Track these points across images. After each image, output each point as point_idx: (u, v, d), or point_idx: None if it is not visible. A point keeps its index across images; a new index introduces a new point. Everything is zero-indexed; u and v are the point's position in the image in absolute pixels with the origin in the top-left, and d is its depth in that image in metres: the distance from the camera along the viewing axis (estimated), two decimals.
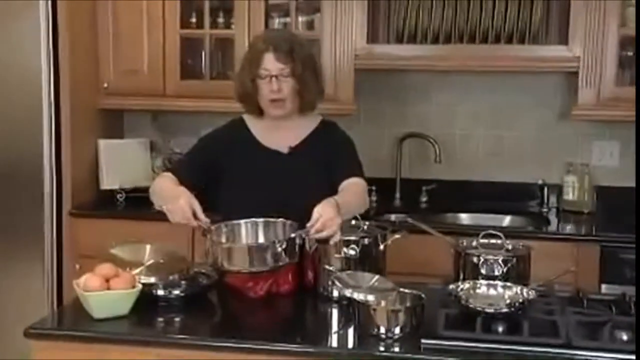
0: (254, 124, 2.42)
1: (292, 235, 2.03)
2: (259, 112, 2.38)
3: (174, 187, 2.25)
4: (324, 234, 2.01)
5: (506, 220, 3.41)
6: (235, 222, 2.18)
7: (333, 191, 2.25)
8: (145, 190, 3.58)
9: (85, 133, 3.45)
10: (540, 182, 3.48)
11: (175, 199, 2.12)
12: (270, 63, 2.28)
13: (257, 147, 2.39)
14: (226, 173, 2.36)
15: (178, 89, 3.44)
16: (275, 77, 2.28)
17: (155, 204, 2.29)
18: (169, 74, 3.43)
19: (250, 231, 2.17)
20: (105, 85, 3.47)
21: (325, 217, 2.00)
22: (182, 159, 2.56)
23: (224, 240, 2.11)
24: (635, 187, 3.04)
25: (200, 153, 2.43)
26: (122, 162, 3.54)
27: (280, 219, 2.14)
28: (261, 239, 2.14)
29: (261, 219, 2.17)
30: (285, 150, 2.37)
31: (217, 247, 2.04)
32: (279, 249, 1.98)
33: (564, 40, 3.20)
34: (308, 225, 2.02)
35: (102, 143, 3.53)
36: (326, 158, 2.35)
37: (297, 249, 2.04)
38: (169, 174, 2.37)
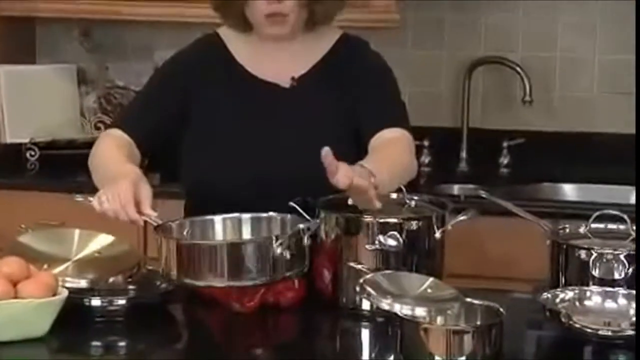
0: (237, 44, 2.44)
1: (301, 226, 2.04)
2: (245, 27, 2.39)
3: (119, 160, 2.28)
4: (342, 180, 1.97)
5: (634, 194, 3.41)
6: (206, 217, 2.17)
7: (359, 149, 2.27)
8: (71, 145, 3.65)
9: None
10: None
11: (114, 181, 2.14)
12: None
13: (243, 78, 2.41)
14: (195, 120, 2.39)
15: None
16: None
17: (95, 182, 2.32)
18: None
19: (229, 229, 2.18)
20: None
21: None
22: (131, 105, 2.59)
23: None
24: (636, 186, 3.05)
25: (158, 93, 2.47)
26: (34, 102, 3.57)
27: (277, 214, 2.15)
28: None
29: (247, 214, 2.17)
30: (286, 83, 2.39)
31: (172, 247, 2.04)
32: (279, 250, 1.99)
33: None
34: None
35: (3, 71, 3.56)
36: (349, 95, 2.37)
37: (307, 251, 2.06)
38: (116, 132, 2.40)
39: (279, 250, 1.97)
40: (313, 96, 2.39)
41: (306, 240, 2.05)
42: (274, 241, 2.00)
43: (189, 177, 2.40)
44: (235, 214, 2.18)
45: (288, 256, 2.01)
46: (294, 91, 2.40)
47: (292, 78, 2.39)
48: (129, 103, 2.55)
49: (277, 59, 2.40)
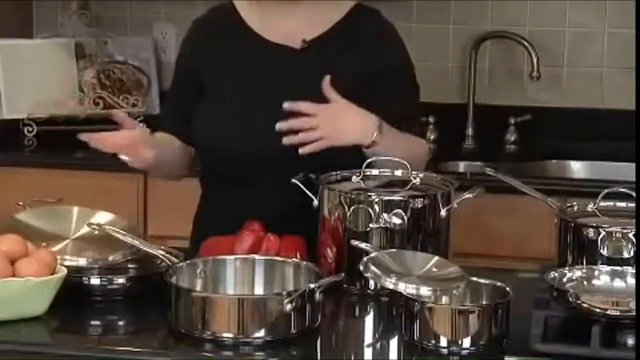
0: (249, 11, 2.47)
1: (312, 286, 1.93)
2: None
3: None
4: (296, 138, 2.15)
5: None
6: (218, 257, 2.10)
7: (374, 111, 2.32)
8: (69, 121, 3.64)
9: None
10: None
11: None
12: None
13: (255, 41, 2.43)
14: (209, 85, 2.43)
15: None
16: None
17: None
18: None
19: (240, 273, 2.09)
20: None
21: (327, 113, 2.18)
22: (164, 104, 2.63)
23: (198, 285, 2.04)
24: (636, 186, 3.05)
25: (182, 78, 2.52)
26: (31, 77, 3.57)
27: (291, 259, 2.10)
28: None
29: (262, 257, 2.10)
30: (296, 45, 2.41)
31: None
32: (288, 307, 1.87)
33: None
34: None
35: (0, 46, 3.55)
36: (364, 64, 2.38)
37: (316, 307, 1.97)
38: (160, 133, 2.47)
39: (288, 307, 1.88)
40: (324, 58, 2.40)
41: (318, 296, 1.94)
42: (283, 297, 1.89)
43: (203, 140, 2.42)
44: (249, 256, 2.11)
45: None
46: (305, 53, 2.41)
47: (303, 40, 2.41)
48: (161, 104, 2.63)
49: (288, 23, 2.42)
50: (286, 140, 2.23)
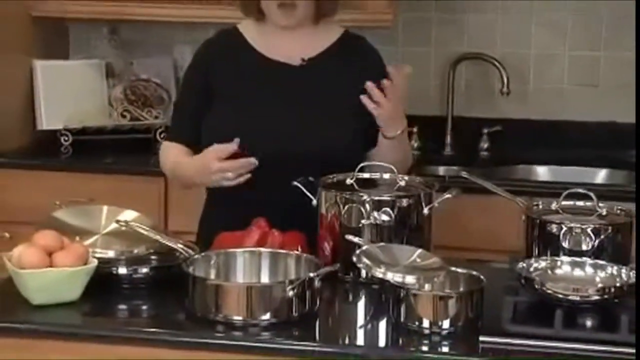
0: (252, 32, 2.46)
1: (311, 275, 1.92)
2: (260, 15, 2.40)
3: (180, 157, 2.40)
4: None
5: (600, 175, 3.41)
6: (229, 250, 2.09)
7: (363, 130, 2.34)
8: (100, 131, 3.63)
9: (14, 51, 3.47)
10: None
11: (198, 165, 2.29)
12: None
13: (257, 58, 2.43)
14: (216, 98, 2.41)
15: None
16: None
17: (182, 179, 2.46)
18: None
19: (248, 264, 2.08)
20: None
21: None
22: (174, 116, 2.61)
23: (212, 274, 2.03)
24: (636, 187, 3.04)
25: (190, 92, 2.50)
26: (67, 93, 3.56)
27: (295, 252, 2.09)
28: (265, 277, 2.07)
29: (267, 250, 2.09)
30: (296, 62, 2.41)
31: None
32: (290, 293, 1.87)
33: None
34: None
35: (39, 66, 3.55)
36: (354, 81, 2.37)
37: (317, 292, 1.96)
38: (172, 145, 2.46)
39: (290, 294, 1.87)
40: (321, 75, 2.41)
41: (317, 284, 1.94)
42: (286, 284, 1.89)
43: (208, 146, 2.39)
44: (256, 249, 2.10)
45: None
46: (303, 69, 2.41)
47: (302, 59, 2.41)
48: (172, 115, 2.62)
49: (288, 44, 2.42)
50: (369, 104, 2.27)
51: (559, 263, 2.02)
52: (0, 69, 3.36)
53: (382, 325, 1.94)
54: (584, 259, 2.03)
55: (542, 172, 3.46)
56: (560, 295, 1.87)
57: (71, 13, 3.56)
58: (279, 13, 2.35)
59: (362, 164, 2.23)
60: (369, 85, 2.25)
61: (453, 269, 1.96)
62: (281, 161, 2.27)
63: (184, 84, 2.58)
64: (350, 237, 2.10)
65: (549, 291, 1.88)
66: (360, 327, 1.99)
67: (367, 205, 2.13)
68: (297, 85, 2.39)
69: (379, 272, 1.91)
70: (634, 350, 1.76)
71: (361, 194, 2.15)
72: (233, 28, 2.49)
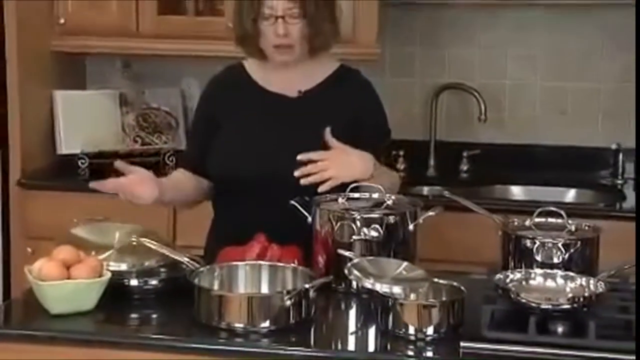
0: (255, 68, 2.46)
1: (307, 286, 1.92)
2: (262, 55, 2.39)
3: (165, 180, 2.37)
4: (310, 179, 2.17)
5: (570, 194, 3.41)
6: (232, 264, 2.07)
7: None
8: (114, 155, 3.63)
9: (36, 83, 3.47)
10: (614, 146, 3.48)
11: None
12: (276, 1, 2.29)
13: (258, 91, 2.42)
14: (223, 126, 2.41)
15: (155, 27, 3.44)
16: (282, 18, 2.29)
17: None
18: (144, 7, 3.43)
19: (249, 276, 2.06)
20: (62, 21, 3.47)
21: (333, 158, 2.20)
22: (187, 144, 2.62)
23: (216, 285, 2.01)
24: (635, 189, 3.04)
25: (200, 124, 2.49)
26: (84, 120, 3.56)
27: (291, 265, 2.07)
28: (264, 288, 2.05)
29: (267, 262, 2.08)
30: (293, 94, 2.41)
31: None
32: (288, 303, 1.86)
33: None
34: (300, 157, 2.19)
35: (59, 95, 3.55)
36: (348, 112, 2.38)
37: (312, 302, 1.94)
38: (180, 170, 2.46)
39: (288, 303, 1.87)
40: (317, 106, 2.39)
41: (312, 294, 1.93)
42: (284, 294, 1.88)
43: (217, 169, 2.39)
44: (257, 262, 2.08)
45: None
46: (300, 101, 2.40)
47: (299, 91, 2.41)
48: (186, 143, 2.66)
49: (286, 78, 2.41)
50: (304, 181, 2.22)
51: (532, 275, 2.01)
52: (24, 98, 3.35)
53: (372, 331, 1.93)
54: (555, 271, 2.03)
55: (517, 192, 3.46)
56: (534, 304, 1.87)
57: (88, 48, 3.56)
58: (276, 52, 2.35)
59: (352, 185, 2.23)
60: (301, 157, 2.23)
61: (436, 280, 1.96)
62: (280, 184, 2.26)
63: (194, 117, 2.58)
64: (342, 251, 2.10)
65: (523, 300, 1.88)
66: (352, 333, 1.98)
67: (358, 222, 2.12)
68: (293, 115, 2.39)
69: (368, 283, 1.91)
70: (601, 355, 1.76)
71: (352, 212, 2.15)
72: (238, 64, 2.48)
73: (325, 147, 2.29)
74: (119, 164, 2.25)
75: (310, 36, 2.33)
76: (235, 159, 2.35)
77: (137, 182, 2.23)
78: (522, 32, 3.56)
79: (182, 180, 2.44)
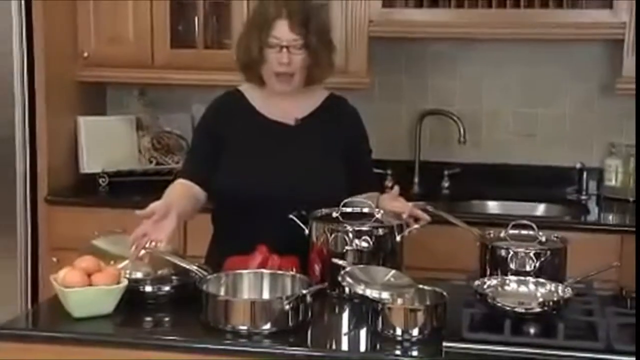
0: (252, 95, 2.44)
1: (304, 292, 1.90)
2: (261, 82, 2.38)
3: (171, 193, 2.27)
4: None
5: (540, 208, 3.40)
6: (236, 272, 2.06)
7: (343, 172, 2.35)
8: (131, 174, 3.62)
9: (62, 109, 3.46)
10: (578, 165, 3.48)
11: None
12: (283, 32, 2.29)
13: (259, 119, 2.40)
14: (225, 150, 2.38)
15: (168, 59, 3.44)
16: (287, 48, 2.28)
17: None
18: (158, 42, 3.43)
19: (252, 282, 2.05)
20: (86, 54, 3.47)
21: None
22: (186, 157, 2.60)
23: (222, 291, 1.99)
24: (636, 190, 3.04)
25: (200, 141, 2.46)
26: (104, 142, 3.55)
27: (290, 273, 2.06)
28: (266, 294, 2.04)
29: (268, 270, 2.06)
30: (291, 122, 2.39)
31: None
32: (287, 307, 1.86)
33: (607, 3, 3.18)
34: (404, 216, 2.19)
35: (82, 120, 3.54)
36: (341, 137, 2.39)
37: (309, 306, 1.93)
38: (179, 181, 2.37)
39: (287, 307, 1.86)
40: (312, 132, 2.39)
41: (309, 299, 1.91)
42: (283, 300, 1.87)
43: (223, 188, 2.36)
44: (259, 270, 2.07)
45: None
46: (297, 128, 2.39)
47: (296, 119, 2.39)
48: (186, 155, 2.60)
49: (284, 105, 2.39)
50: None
51: (507, 281, 2.00)
52: (51, 123, 3.35)
53: (363, 333, 1.92)
54: (528, 278, 2.02)
55: (493, 206, 3.46)
56: (509, 308, 1.86)
57: (108, 78, 3.56)
58: (276, 81, 2.34)
59: (345, 200, 2.22)
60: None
61: (421, 286, 1.95)
62: (279, 201, 2.25)
63: (194, 136, 2.55)
64: (336, 260, 2.09)
65: (499, 304, 1.87)
66: (345, 334, 1.98)
67: (350, 234, 2.12)
68: (292, 141, 2.38)
69: (359, 289, 1.90)
70: (568, 353, 1.75)
71: (345, 225, 2.14)
72: (235, 90, 2.46)
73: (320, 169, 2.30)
74: (138, 213, 2.13)
75: (310, 66, 2.33)
76: (239, 180, 2.34)
77: (154, 228, 2.10)
78: (496, 65, 3.57)
79: (184, 191, 2.34)
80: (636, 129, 3.29)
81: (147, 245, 2.07)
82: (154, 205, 2.13)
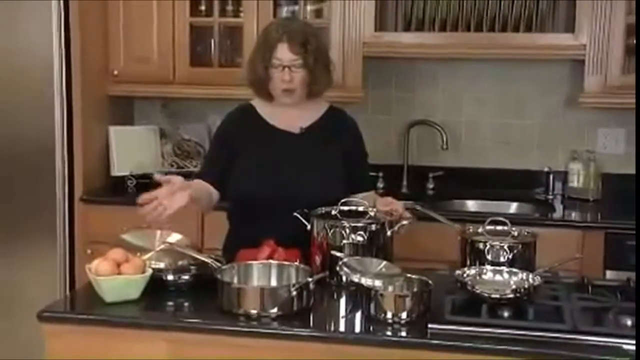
0: (262, 108, 2.44)
1: (307, 280, 1.89)
2: (269, 97, 2.38)
3: (191, 183, 2.26)
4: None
5: (512, 207, 3.39)
6: (247, 263, 2.04)
7: (344, 177, 2.35)
8: None
9: (96, 120, 3.46)
10: (546, 169, 3.48)
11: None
12: (284, 53, 2.29)
13: (268, 128, 2.40)
14: (239, 157, 2.38)
15: (187, 76, 3.43)
16: (288, 67, 2.28)
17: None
18: (179, 61, 3.43)
19: (262, 272, 2.03)
20: (116, 72, 3.47)
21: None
22: (204, 162, 2.59)
23: (235, 280, 1.98)
24: (636, 186, 3.03)
25: (217, 148, 2.45)
26: (132, 149, 3.54)
27: (295, 265, 2.04)
28: (274, 282, 2.02)
29: (275, 262, 2.05)
30: (296, 131, 2.39)
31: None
32: (294, 293, 1.85)
33: (570, 28, 3.18)
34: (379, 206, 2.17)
35: (113, 130, 3.53)
36: (340, 143, 2.39)
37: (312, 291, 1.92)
38: (197, 181, 2.37)
39: (292, 294, 1.85)
40: (315, 139, 2.39)
41: (311, 286, 1.90)
42: (291, 287, 1.87)
43: (237, 192, 2.37)
44: (267, 261, 2.05)
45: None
46: (302, 136, 2.39)
47: (301, 128, 2.39)
48: (204, 160, 2.60)
49: (290, 116, 2.39)
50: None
51: (484, 271, 2.00)
52: (86, 132, 3.35)
53: (358, 316, 1.91)
54: (502, 267, 2.02)
55: (472, 205, 3.45)
56: (486, 294, 1.86)
57: (135, 93, 3.55)
58: (282, 95, 2.35)
59: (343, 200, 2.22)
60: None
61: (409, 275, 1.95)
62: (285, 200, 2.24)
63: (211, 143, 2.55)
64: (334, 252, 2.09)
65: (477, 291, 1.87)
66: (342, 317, 1.97)
67: (347, 230, 2.11)
68: (298, 147, 2.38)
69: (355, 278, 1.90)
70: (538, 333, 1.75)
71: (342, 221, 2.14)
72: (247, 103, 2.47)
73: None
74: (157, 176, 2.14)
75: (309, 83, 2.33)
76: (252, 184, 2.33)
77: (167, 195, 2.08)
78: (474, 81, 3.56)
79: (202, 185, 2.34)
80: (636, 128, 3.25)
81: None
82: (174, 177, 2.12)
